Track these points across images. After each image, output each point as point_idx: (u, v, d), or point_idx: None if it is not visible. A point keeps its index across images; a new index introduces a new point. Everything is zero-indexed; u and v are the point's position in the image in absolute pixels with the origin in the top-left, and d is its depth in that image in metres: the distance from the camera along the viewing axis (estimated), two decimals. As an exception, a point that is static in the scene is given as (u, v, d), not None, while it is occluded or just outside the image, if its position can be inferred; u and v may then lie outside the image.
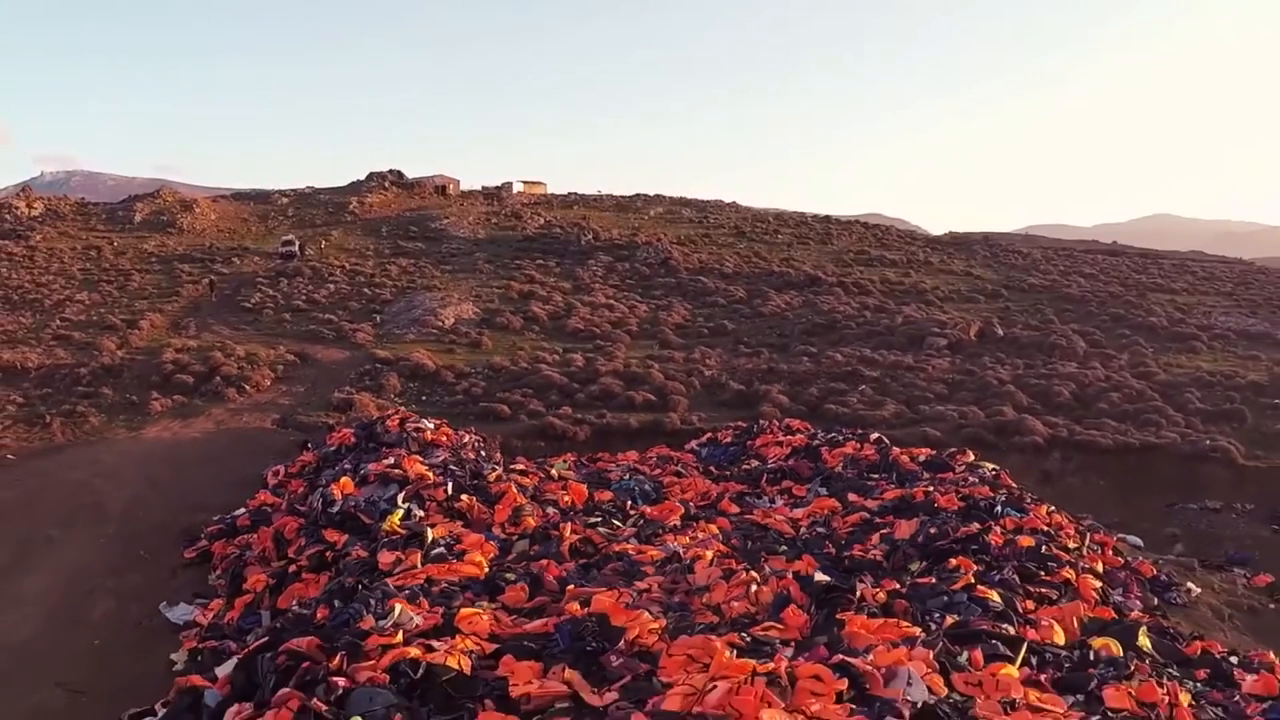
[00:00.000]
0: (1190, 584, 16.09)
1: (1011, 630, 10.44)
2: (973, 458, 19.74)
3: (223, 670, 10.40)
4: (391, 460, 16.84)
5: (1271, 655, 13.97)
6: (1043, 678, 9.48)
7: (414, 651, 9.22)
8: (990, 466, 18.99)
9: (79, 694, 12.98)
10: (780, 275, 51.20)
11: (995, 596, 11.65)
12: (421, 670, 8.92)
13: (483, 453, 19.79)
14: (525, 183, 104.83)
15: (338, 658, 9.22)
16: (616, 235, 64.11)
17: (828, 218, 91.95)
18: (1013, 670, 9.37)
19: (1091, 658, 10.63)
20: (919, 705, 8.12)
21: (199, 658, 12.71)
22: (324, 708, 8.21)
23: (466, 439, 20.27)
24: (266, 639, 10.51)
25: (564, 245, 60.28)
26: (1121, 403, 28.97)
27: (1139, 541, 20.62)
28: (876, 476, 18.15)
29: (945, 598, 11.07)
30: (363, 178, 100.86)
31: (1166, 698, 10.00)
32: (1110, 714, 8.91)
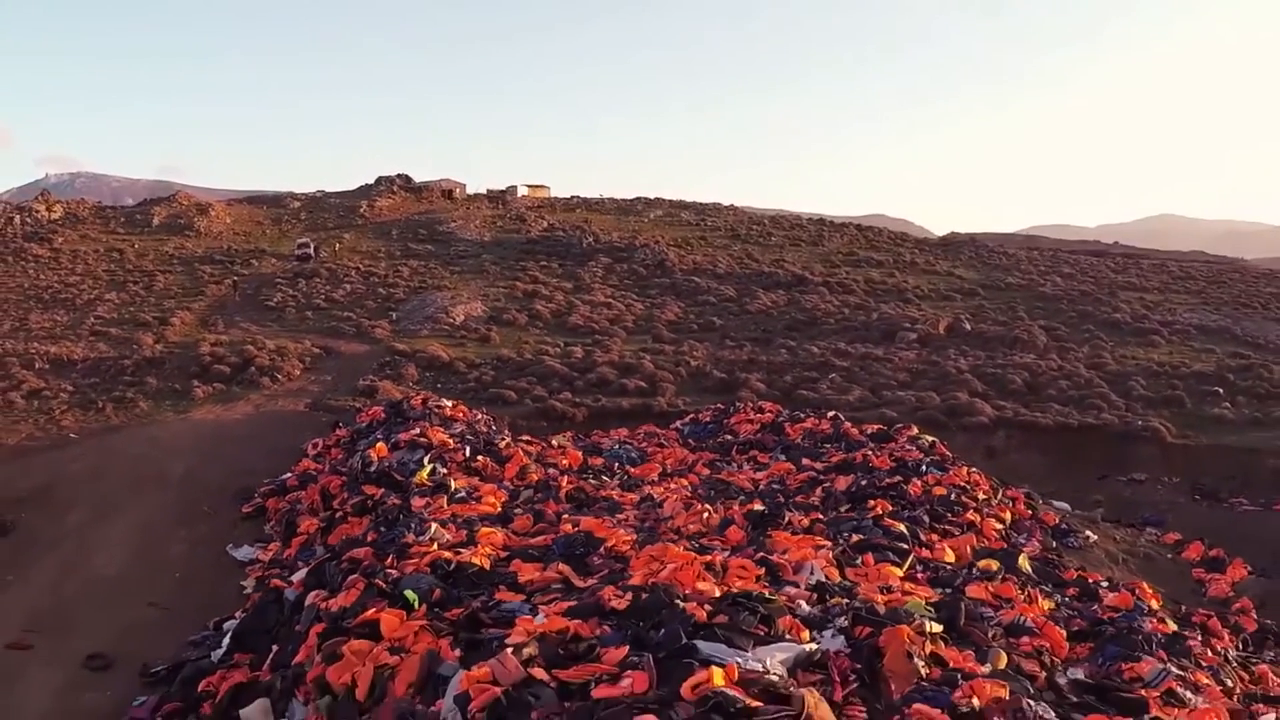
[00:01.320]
0: (1089, 532, 19.17)
1: (905, 548, 13.52)
2: (915, 431, 22.83)
3: (297, 576, 13.52)
4: (418, 430, 19.96)
5: (1142, 583, 17.10)
6: (919, 576, 12.57)
7: (447, 554, 12.34)
8: (929, 439, 22.07)
9: (167, 610, 16.13)
10: (769, 276, 54.26)
11: (901, 527, 14.75)
12: (453, 566, 12.04)
13: (493, 427, 22.91)
14: (529, 186, 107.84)
15: (389, 557, 12.35)
16: (616, 238, 67.14)
17: (821, 220, 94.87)
18: (897, 570, 12.46)
19: (971, 571, 13.72)
20: (815, 584, 11.21)
21: (265, 584, 15.82)
22: (383, 585, 11.30)
23: (479, 416, 23.42)
24: (330, 554, 13.64)
25: (566, 248, 63.32)
26: (1069, 389, 32.02)
27: (1067, 506, 23.62)
28: (828, 446, 21.26)
29: (856, 523, 14.16)
30: (371, 182, 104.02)
31: (1023, 596, 13.10)
32: (969, 602, 11.95)
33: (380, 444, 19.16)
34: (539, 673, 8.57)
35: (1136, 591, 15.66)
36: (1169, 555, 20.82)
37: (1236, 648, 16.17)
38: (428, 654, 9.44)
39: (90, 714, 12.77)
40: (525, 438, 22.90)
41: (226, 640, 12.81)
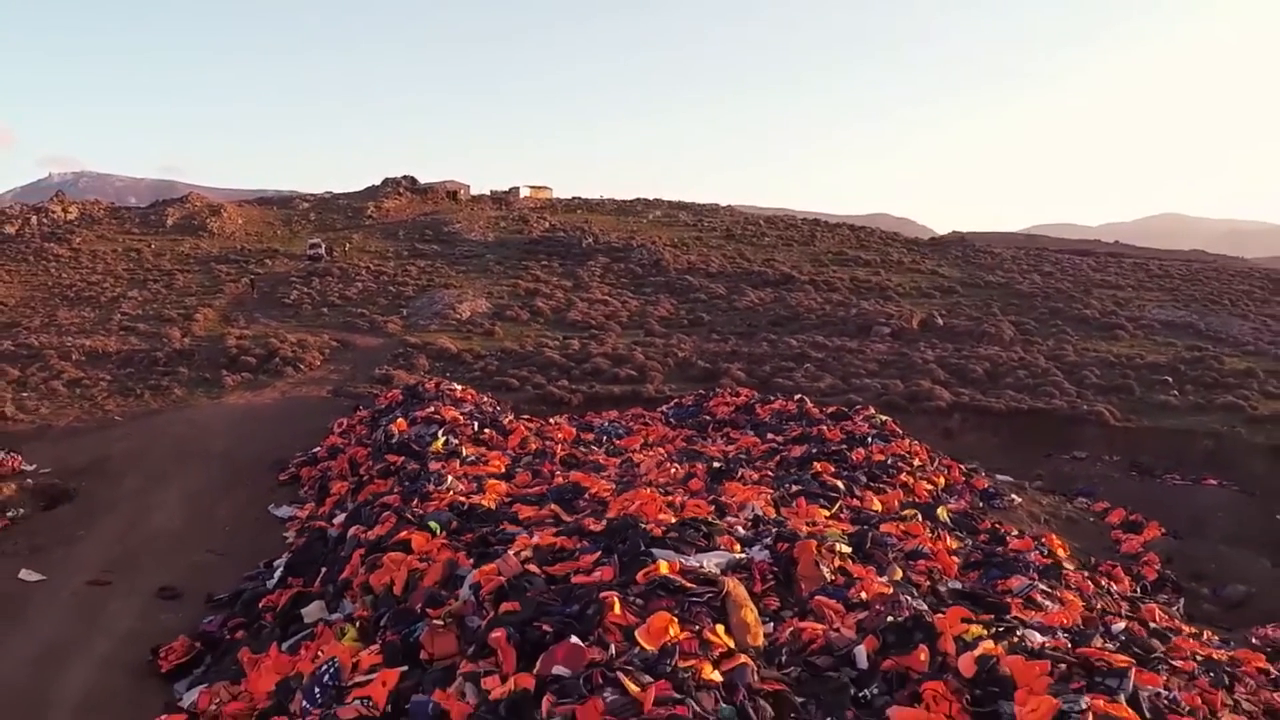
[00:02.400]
0: (1014, 496, 22.03)
1: (835, 496, 16.41)
2: (872, 412, 25.70)
3: (337, 519, 16.43)
4: (432, 409, 22.87)
5: (1052, 535, 19.99)
6: (843, 517, 15.45)
7: (461, 498, 15.24)
8: (882, 418, 24.94)
9: (222, 555, 19.05)
10: (759, 274, 57.11)
11: (839, 484, 17.63)
12: (466, 506, 14.94)
13: (498, 408, 25.81)
14: (532, 187, 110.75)
15: (415, 500, 15.25)
16: (615, 238, 70.01)
17: (816, 220, 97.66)
18: (824, 511, 15.35)
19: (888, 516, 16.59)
20: (752, 517, 14.10)
21: (307, 530, 18.72)
22: (411, 518, 14.20)
23: (485, 399, 26.34)
24: (365, 501, 16.54)
25: (566, 248, 66.18)
26: (1026, 378, 34.86)
27: (1009, 479, 26.46)
28: (792, 423, 24.12)
29: (798, 478, 17.06)
30: (378, 183, 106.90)
31: (931, 535, 15.97)
32: (878, 533, 14.80)
33: (400, 420, 22.05)
34: (532, 569, 11.48)
35: (1042, 540, 18.55)
36: (1092, 519, 23.70)
37: (1133, 591, 19.09)
38: (448, 561, 12.36)
39: (167, 630, 15.62)
40: (526, 418, 25.80)
41: (280, 570, 15.73)
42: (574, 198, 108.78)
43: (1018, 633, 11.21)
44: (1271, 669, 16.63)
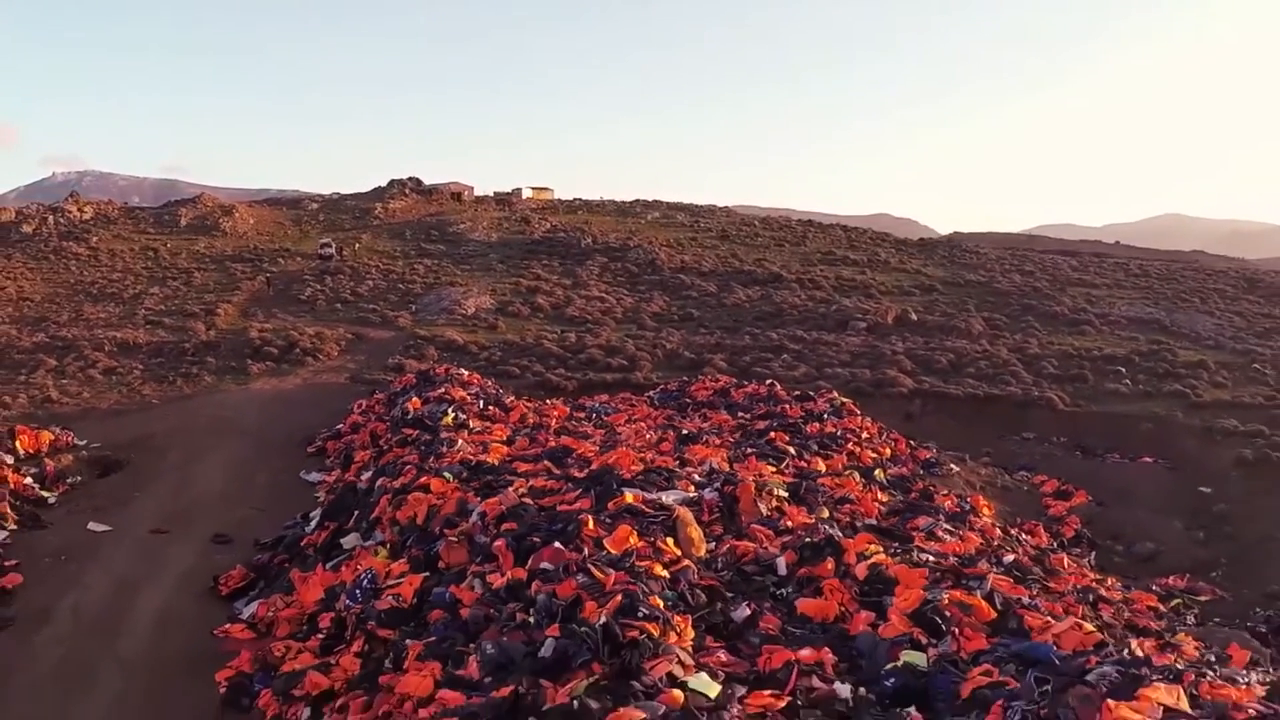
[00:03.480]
0: (953, 465, 25.02)
1: (783, 457, 19.43)
2: (835, 395, 28.71)
3: (365, 476, 19.47)
4: (443, 389, 25.90)
5: (979, 497, 22.96)
6: (787, 473, 18.47)
7: (469, 456, 18.27)
8: (841, 399, 27.95)
9: (263, 510, 22.05)
10: (749, 273, 60.09)
11: (791, 449, 20.64)
12: (474, 463, 17.96)
13: (500, 390, 28.84)
14: (534, 189, 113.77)
15: (431, 458, 18.29)
16: (613, 239, 73.00)
17: (809, 222, 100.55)
18: (771, 467, 18.36)
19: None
20: (708, 470, 17.12)
21: (338, 487, 21.74)
22: (429, 469, 17.22)
23: (490, 383, 29.38)
24: (388, 462, 19.59)
25: (566, 248, 69.18)
26: (987, 368, 37.82)
27: (963, 456, 29.41)
28: (761, 404, 27.13)
29: (754, 443, 20.08)
30: (384, 184, 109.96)
31: (862, 488, 18.97)
32: (812, 482, 17.78)
33: (415, 399, 25.07)
34: (527, 501, 14.52)
35: (969, 500, 21.54)
36: (1026, 489, 26.70)
37: (1050, 545, 22.09)
38: (460, 499, 15.39)
39: (222, 567, 18.63)
40: (525, 399, 28.83)
41: (317, 516, 18.78)
42: (575, 199, 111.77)
43: (911, 554, 14.24)
44: (1162, 607, 19.76)
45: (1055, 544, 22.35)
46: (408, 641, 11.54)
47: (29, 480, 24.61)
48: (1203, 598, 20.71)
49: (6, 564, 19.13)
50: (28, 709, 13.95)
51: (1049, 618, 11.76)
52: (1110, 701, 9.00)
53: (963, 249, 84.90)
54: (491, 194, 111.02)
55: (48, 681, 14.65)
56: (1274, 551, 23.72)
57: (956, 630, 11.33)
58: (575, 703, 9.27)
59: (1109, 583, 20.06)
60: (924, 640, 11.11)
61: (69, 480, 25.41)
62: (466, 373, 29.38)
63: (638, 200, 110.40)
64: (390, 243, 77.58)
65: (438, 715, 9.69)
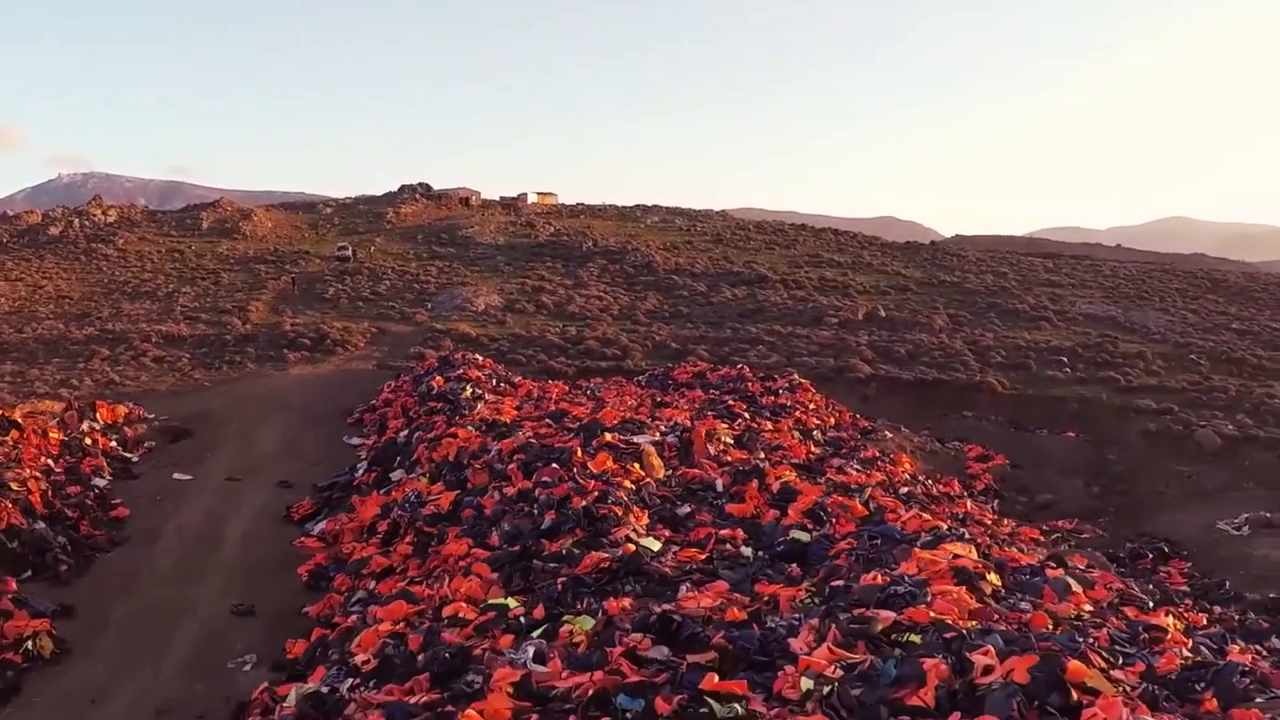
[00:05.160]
0: (888, 432, 29.76)
1: (737, 416, 24.25)
2: (795, 376, 33.49)
3: (402, 434, 24.32)
4: (461, 371, 30.74)
5: (904, 455, 27.71)
6: (737, 428, 23.27)
7: (487, 416, 23.12)
8: (800, 380, 32.73)
9: (316, 465, 26.87)
10: (738, 274, 64.81)
11: (746, 414, 25.44)
12: (491, 421, 22.79)
13: (508, 374, 33.69)
14: (539, 194, 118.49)
15: (456, 417, 23.14)
16: (613, 242, 77.80)
17: (801, 226, 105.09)
18: (724, 426, 23.17)
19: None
20: (674, 424, 21.95)
21: (375, 449, 26.57)
22: (457, 424, 22.06)
23: (499, 368, 34.25)
24: (420, 422, 24.45)
25: (569, 251, 73.96)
26: (940, 357, 42.53)
27: (897, 426, 34.07)
28: (732, 384, 31.95)
29: (714, 407, 24.90)
30: (395, 189, 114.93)
31: (799, 442, 23.76)
32: (754, 434, 22.54)
33: (438, 378, 29.93)
34: (533, 440, 19.35)
35: (892, 455, 26.32)
36: (953, 454, 31.43)
37: (959, 493, 26.79)
38: (482, 441, 20.22)
39: (289, 503, 23.41)
40: (530, 381, 33.68)
41: (365, 463, 23.62)
42: (578, 204, 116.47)
43: (815, 478, 19.06)
44: (1044, 538, 24.39)
45: (965, 493, 27.05)
46: (448, 528, 16.38)
47: (114, 443, 29.52)
48: (1084, 535, 25.45)
49: (113, 501, 24.08)
50: (158, 594, 18.80)
51: (903, 514, 16.54)
52: (918, 550, 13.78)
53: (945, 252, 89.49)
54: (498, 199, 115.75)
55: (168, 578, 19.51)
56: (1157, 503, 28.55)
57: (834, 520, 16.13)
58: (564, 550, 14.11)
59: (1005, 523, 24.85)
60: (810, 526, 15.89)
61: (146, 444, 30.29)
62: (480, 358, 34.28)
63: (638, 205, 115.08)
64: (403, 245, 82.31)
65: (470, 562, 14.50)
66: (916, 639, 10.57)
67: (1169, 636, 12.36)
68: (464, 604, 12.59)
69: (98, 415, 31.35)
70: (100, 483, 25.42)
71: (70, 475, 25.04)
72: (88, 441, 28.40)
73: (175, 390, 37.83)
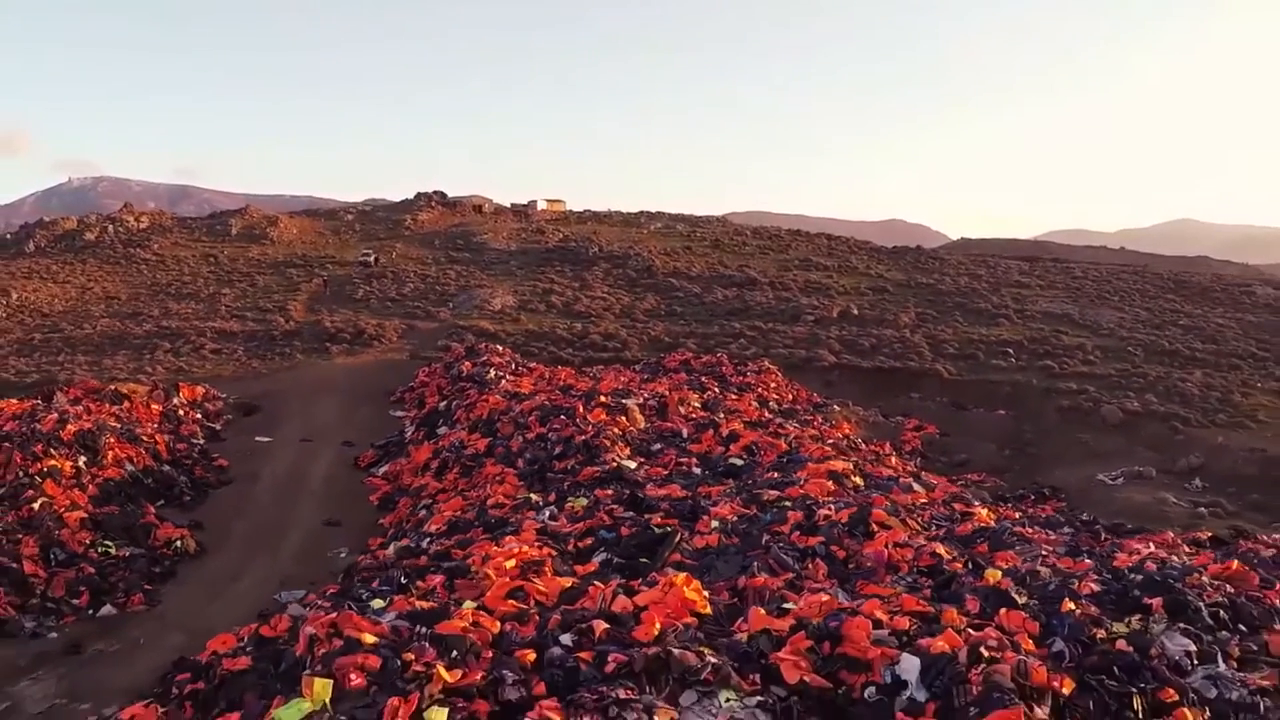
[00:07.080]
0: (835, 406, 36.02)
1: (707, 389, 30.62)
2: (766, 362, 39.79)
3: (441, 404, 30.73)
4: (485, 358, 37.13)
5: (845, 423, 33.98)
6: (706, 397, 29.60)
7: (510, 389, 29.52)
8: (769, 365, 39.00)
9: (370, 431, 33.21)
10: (730, 277, 71.07)
11: (716, 389, 31.77)
12: (513, 391, 29.17)
13: (523, 360, 40.09)
14: (548, 201, 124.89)
15: (485, 390, 29.56)
16: (617, 247, 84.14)
17: (796, 231, 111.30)
18: (694, 395, 29.49)
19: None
20: (654, 393, 28.31)
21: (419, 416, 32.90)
22: (487, 393, 28.46)
23: (517, 356, 40.69)
24: (453, 393, 30.89)
25: (576, 255, 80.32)
26: (899, 349, 48.74)
27: (846, 401, 40.23)
28: (710, 369, 38.27)
29: (690, 383, 31.27)
30: (412, 197, 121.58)
31: (756, 410, 30.08)
32: (719, 402, 28.84)
33: (467, 362, 36.31)
34: (547, 403, 25.76)
35: (835, 421, 32.60)
36: (893, 425, 37.65)
37: (888, 451, 32.94)
38: (507, 405, 26.60)
39: (353, 455, 29.80)
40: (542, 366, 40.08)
41: (413, 427, 30.03)
42: (585, 210, 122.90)
43: (759, 429, 25.38)
44: (955, 488, 30.44)
45: (892, 452, 33.18)
46: (485, 460, 22.77)
47: (199, 415, 35.96)
48: (987, 485, 31.61)
49: (213, 455, 30.52)
50: (266, 514, 25.19)
51: (813, 445, 22.89)
52: (811, 464, 20.13)
53: (929, 255, 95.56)
54: (509, 205, 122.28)
55: (270, 504, 25.93)
56: (1055, 463, 34.69)
57: (764, 453, 22.47)
58: (569, 467, 20.48)
59: (922, 474, 31.03)
60: (744, 457, 22.22)
61: (225, 417, 36.71)
62: (500, 348, 40.77)
63: (642, 211, 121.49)
64: (422, 250, 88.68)
65: (504, 476, 20.85)
66: (788, 505, 16.91)
67: (976, 518, 18.63)
68: (501, 496, 18.95)
69: (180, 394, 37.80)
70: (198, 443, 31.87)
71: (175, 436, 31.50)
72: (180, 413, 34.85)
73: (238, 376, 44.22)
